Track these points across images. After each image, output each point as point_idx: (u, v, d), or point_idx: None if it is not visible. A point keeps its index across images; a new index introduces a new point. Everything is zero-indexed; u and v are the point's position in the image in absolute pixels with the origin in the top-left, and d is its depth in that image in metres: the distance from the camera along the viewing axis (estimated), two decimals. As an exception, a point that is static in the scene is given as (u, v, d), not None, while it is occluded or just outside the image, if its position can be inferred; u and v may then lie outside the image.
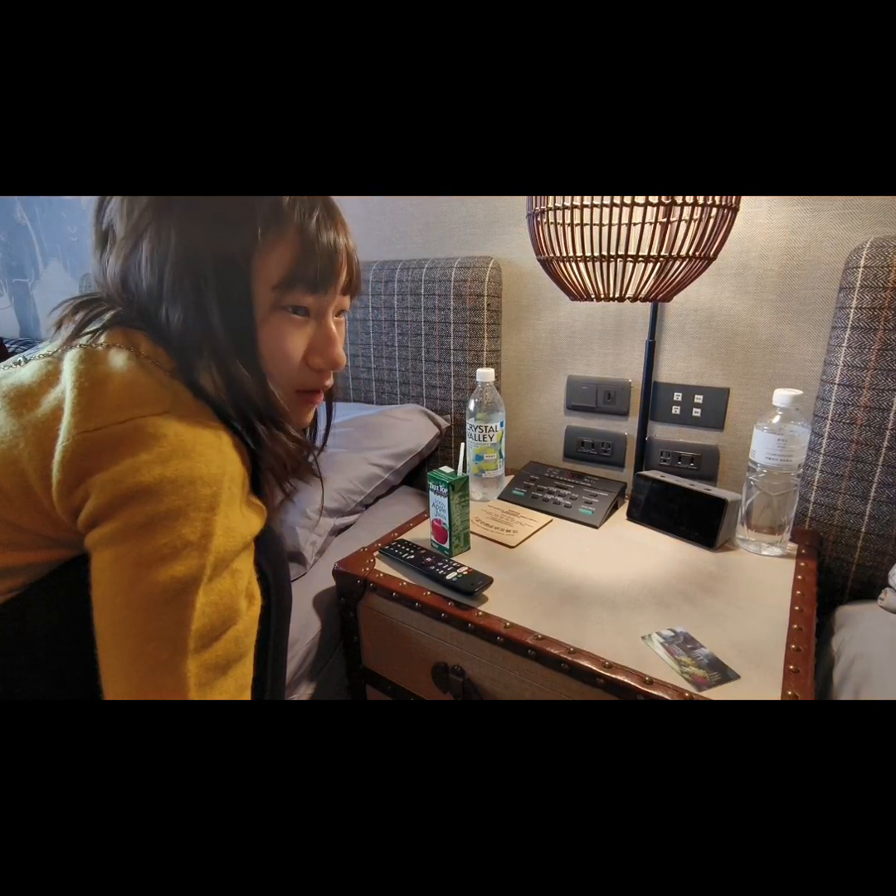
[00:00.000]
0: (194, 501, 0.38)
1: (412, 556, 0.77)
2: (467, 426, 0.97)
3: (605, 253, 0.67)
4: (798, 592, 0.70)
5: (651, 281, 0.69)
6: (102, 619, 0.38)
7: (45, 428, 0.39)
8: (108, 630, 0.38)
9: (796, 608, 0.66)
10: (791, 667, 0.56)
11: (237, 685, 0.41)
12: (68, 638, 0.42)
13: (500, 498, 1.00)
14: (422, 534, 0.86)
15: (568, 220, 0.67)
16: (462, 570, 0.73)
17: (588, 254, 0.68)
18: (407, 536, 0.86)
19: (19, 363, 0.46)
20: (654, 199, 0.62)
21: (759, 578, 0.73)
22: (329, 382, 0.54)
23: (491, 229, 1.11)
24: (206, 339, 0.44)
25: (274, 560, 0.52)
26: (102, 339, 0.43)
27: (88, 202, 1.82)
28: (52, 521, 0.40)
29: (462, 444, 0.87)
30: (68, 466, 0.37)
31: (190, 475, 0.38)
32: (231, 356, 0.45)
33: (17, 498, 0.39)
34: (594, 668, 0.57)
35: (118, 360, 0.42)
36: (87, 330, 0.44)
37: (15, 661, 0.42)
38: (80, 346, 0.43)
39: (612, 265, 0.68)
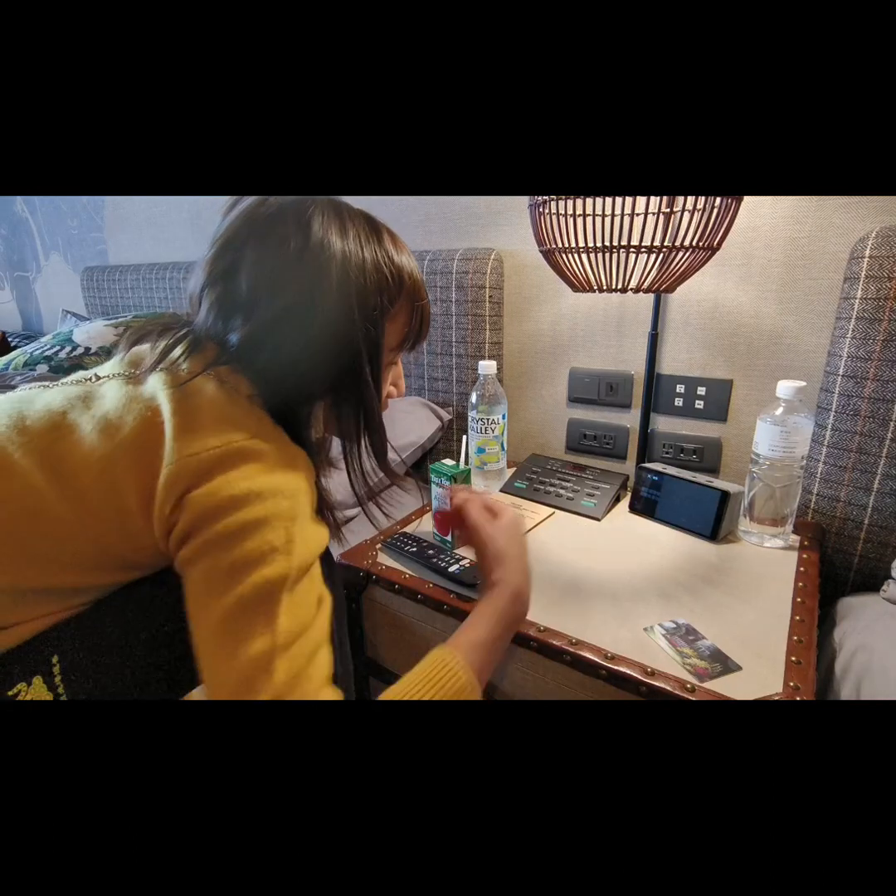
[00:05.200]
0: (276, 512, 0.42)
1: (414, 549, 0.77)
2: (469, 419, 0.97)
3: (607, 243, 0.66)
4: (800, 584, 0.70)
5: (654, 272, 0.69)
6: (200, 627, 0.41)
7: (141, 450, 0.43)
8: (205, 634, 0.41)
9: (798, 600, 0.66)
10: (793, 658, 0.57)
11: (314, 687, 0.42)
12: (141, 648, 0.48)
13: (502, 490, 1.00)
14: (424, 526, 0.87)
15: (570, 211, 0.67)
16: (464, 562, 0.73)
17: (590, 244, 0.67)
18: (409, 529, 0.86)
19: (46, 386, 0.50)
20: (657, 188, 0.62)
21: (762, 570, 0.73)
22: None
23: (493, 221, 1.10)
24: (353, 393, 0.53)
25: (329, 569, 0.55)
26: (185, 365, 0.48)
27: (90, 200, 1.82)
28: (135, 543, 0.45)
29: (464, 437, 0.87)
30: (171, 488, 0.42)
31: (272, 488, 0.43)
32: (374, 406, 0.56)
33: (110, 518, 0.44)
34: (596, 659, 0.58)
35: (208, 388, 0.47)
36: (172, 356, 0.49)
37: (101, 664, 0.47)
38: (170, 372, 0.48)
39: (614, 256, 0.67)
